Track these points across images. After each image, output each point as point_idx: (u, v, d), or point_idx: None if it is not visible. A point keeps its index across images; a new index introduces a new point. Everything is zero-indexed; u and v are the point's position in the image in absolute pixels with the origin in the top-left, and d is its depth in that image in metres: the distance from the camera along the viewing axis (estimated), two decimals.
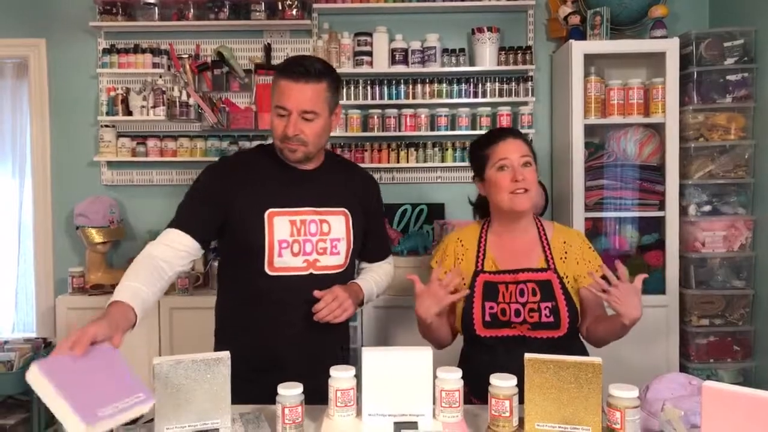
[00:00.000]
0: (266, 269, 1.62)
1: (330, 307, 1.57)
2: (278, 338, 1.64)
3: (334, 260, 1.66)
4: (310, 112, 1.57)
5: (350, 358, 1.80)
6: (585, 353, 1.66)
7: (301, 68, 1.57)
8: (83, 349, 1.16)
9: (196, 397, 1.27)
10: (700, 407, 1.14)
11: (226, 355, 1.29)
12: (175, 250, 1.57)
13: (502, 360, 1.53)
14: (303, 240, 1.63)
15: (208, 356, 1.29)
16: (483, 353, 1.62)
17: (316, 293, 1.58)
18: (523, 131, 3.12)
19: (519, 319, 1.59)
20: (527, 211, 1.65)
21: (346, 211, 1.69)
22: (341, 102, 3.07)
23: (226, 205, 1.62)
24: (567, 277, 1.64)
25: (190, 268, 1.67)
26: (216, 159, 3.17)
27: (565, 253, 1.67)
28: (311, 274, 1.64)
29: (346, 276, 1.71)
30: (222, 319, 1.76)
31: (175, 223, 1.62)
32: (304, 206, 1.64)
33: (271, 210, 1.61)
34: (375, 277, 1.81)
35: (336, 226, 1.67)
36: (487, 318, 1.60)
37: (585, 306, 1.67)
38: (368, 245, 1.80)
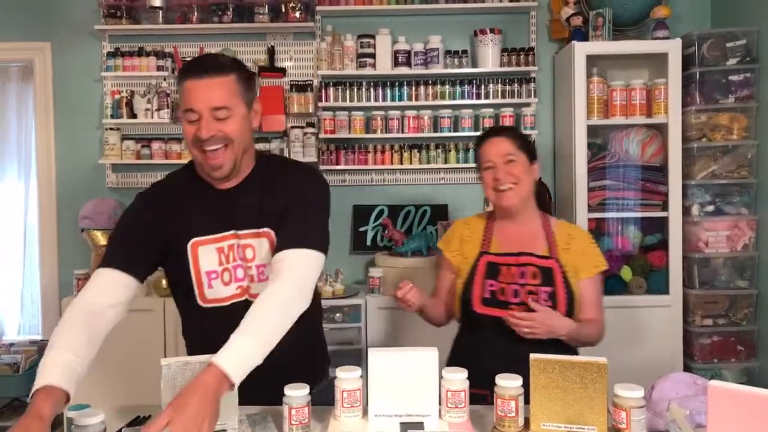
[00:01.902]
0: (199, 302, 1.49)
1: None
2: None
3: (264, 287, 1.37)
4: (221, 108, 1.37)
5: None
6: (574, 350, 1.68)
7: (204, 63, 1.41)
8: None
9: None
10: (705, 407, 1.15)
11: None
12: (111, 294, 1.39)
13: (489, 339, 1.63)
14: (233, 266, 1.47)
15: None
16: (473, 332, 1.69)
17: None
18: (526, 132, 3.13)
19: (516, 299, 1.65)
20: (513, 206, 1.71)
21: (270, 231, 1.46)
22: (346, 104, 3.14)
23: (158, 237, 1.47)
24: (568, 267, 1.69)
25: (128, 310, 1.43)
26: None
27: (568, 244, 1.72)
28: (246, 300, 1.45)
29: None
30: (185, 335, 1.64)
31: (106, 262, 1.43)
32: (225, 231, 1.46)
33: (194, 240, 1.46)
34: (252, 327, 1.27)
35: (260, 251, 1.46)
36: (486, 295, 1.67)
37: (580, 301, 1.70)
38: (282, 230, 1.44)
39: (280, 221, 1.44)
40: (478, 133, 3.01)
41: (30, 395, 1.16)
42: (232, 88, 1.40)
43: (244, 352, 1.22)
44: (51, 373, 1.19)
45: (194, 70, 1.39)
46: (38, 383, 1.17)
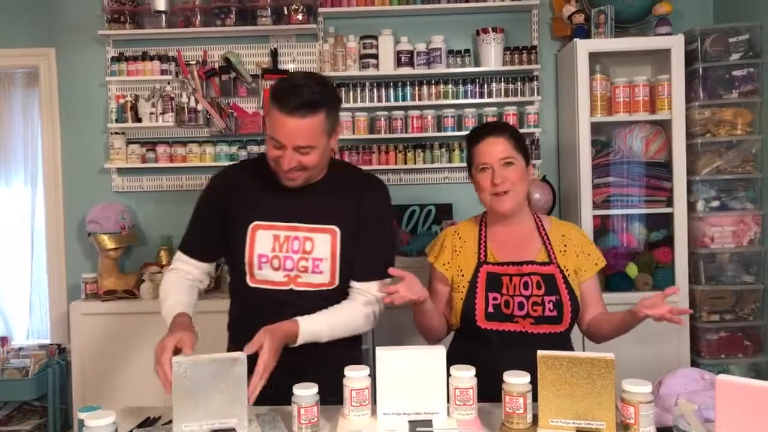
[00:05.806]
0: (248, 281, 1.60)
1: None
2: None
3: (317, 279, 1.58)
4: (305, 147, 1.48)
5: (362, 357, 1.78)
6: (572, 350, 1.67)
7: (296, 100, 1.44)
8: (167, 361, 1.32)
9: (213, 397, 1.29)
10: (713, 401, 1.15)
11: (242, 355, 1.31)
12: (194, 268, 1.68)
13: (500, 356, 1.53)
14: (284, 256, 1.57)
15: (225, 356, 1.31)
16: (479, 348, 1.61)
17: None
18: (530, 130, 3.14)
19: (522, 312, 1.59)
20: (510, 211, 1.64)
21: (336, 228, 1.58)
22: (349, 105, 3.15)
23: (223, 217, 1.63)
24: (567, 269, 1.65)
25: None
26: (225, 164, 3.23)
27: (565, 246, 1.68)
28: (292, 289, 1.58)
29: (337, 293, 1.60)
30: (229, 321, 1.75)
31: (182, 247, 1.70)
32: (290, 221, 1.58)
33: (255, 223, 1.58)
34: (331, 318, 1.56)
35: (320, 245, 1.57)
36: (490, 309, 1.60)
37: (586, 300, 1.68)
38: (354, 260, 1.60)
39: (348, 222, 1.59)
40: None
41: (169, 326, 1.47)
42: (318, 127, 1.48)
43: (315, 330, 1.52)
44: (176, 309, 1.53)
45: (286, 105, 1.44)
46: (170, 315, 1.51)
